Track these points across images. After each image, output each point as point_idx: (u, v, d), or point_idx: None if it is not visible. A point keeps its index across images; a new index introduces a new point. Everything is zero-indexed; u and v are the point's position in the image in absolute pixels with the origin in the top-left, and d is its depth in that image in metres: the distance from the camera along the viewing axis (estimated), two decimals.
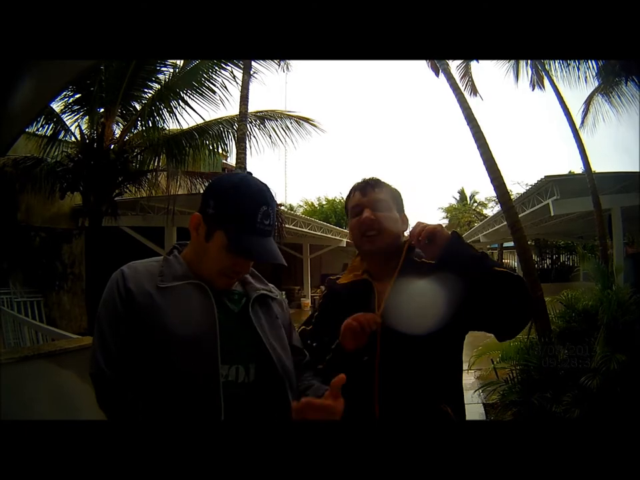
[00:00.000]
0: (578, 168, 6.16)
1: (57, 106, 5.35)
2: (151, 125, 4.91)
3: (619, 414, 3.18)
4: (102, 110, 5.19)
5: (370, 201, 1.14)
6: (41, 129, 5.48)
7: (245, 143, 4.31)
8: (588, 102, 6.92)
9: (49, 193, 5.53)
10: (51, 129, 5.40)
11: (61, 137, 5.48)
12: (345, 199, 1.28)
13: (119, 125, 5.24)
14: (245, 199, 0.90)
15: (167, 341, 0.86)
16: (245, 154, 4.27)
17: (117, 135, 5.11)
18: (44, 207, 6.12)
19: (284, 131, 5.14)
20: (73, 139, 5.42)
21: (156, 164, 5.07)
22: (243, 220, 0.89)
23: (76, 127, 5.38)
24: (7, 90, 1.08)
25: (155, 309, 0.87)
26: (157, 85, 5.08)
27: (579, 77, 6.72)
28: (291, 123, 5.16)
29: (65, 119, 5.40)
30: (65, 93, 5.18)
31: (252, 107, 4.74)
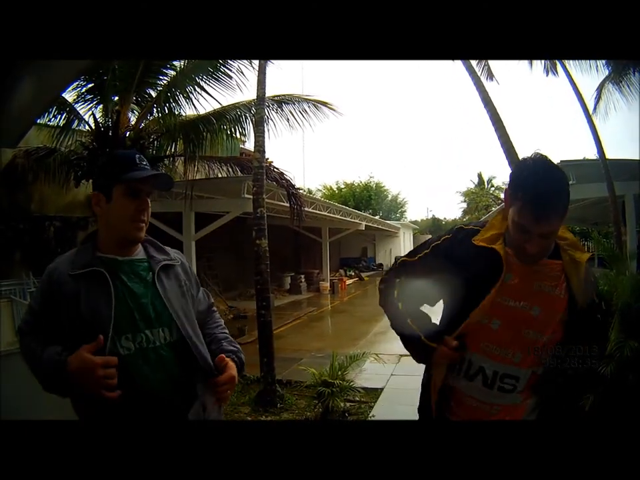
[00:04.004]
0: (591, 155, 6.12)
1: (69, 96, 5.34)
2: (167, 111, 4.87)
3: (633, 401, 3.14)
4: (116, 98, 5.15)
5: (542, 233, 1.02)
6: (53, 119, 5.46)
7: (263, 127, 4.28)
8: (600, 89, 6.88)
9: (63, 182, 5.52)
10: (64, 119, 5.39)
11: (74, 126, 5.46)
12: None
13: (134, 113, 5.22)
14: (122, 154, 1.16)
15: (77, 319, 1.02)
16: (263, 137, 4.24)
17: (133, 122, 5.08)
18: (58, 196, 6.09)
19: (301, 114, 5.14)
20: (87, 127, 5.38)
21: (173, 149, 5.02)
22: (127, 164, 1.09)
23: (90, 116, 5.36)
24: (12, 86, 1.08)
25: (68, 293, 1.04)
26: (172, 71, 5.04)
27: (590, 65, 6.69)
28: (309, 106, 5.16)
29: (78, 109, 5.37)
30: (77, 82, 5.15)
31: (269, 92, 4.70)
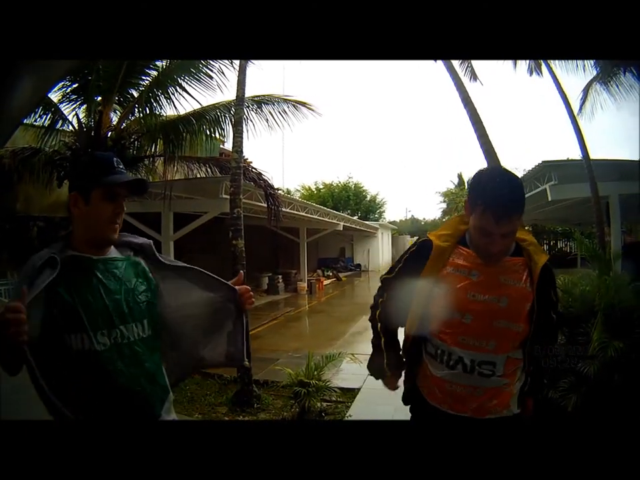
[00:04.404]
0: (577, 155, 6.11)
1: (54, 96, 5.37)
2: (148, 112, 4.88)
3: (616, 401, 3.13)
4: (99, 98, 5.16)
5: (502, 232, 1.13)
6: (39, 119, 5.49)
7: (242, 127, 4.28)
8: (586, 89, 6.86)
9: (47, 182, 5.52)
10: (49, 119, 5.42)
11: (58, 126, 5.48)
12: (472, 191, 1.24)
13: (116, 113, 5.23)
14: (100, 156, 1.18)
15: (52, 314, 1.03)
16: (242, 138, 4.24)
17: (115, 122, 5.09)
18: (42, 196, 6.10)
19: (281, 114, 5.14)
20: (71, 127, 5.39)
21: (153, 150, 5.03)
22: (106, 167, 1.12)
23: (73, 116, 5.39)
24: (10, 86, 1.08)
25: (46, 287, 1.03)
26: (154, 72, 5.05)
27: (577, 65, 6.65)
28: (288, 106, 5.16)
29: (62, 109, 5.41)
30: (62, 82, 5.17)
31: (250, 92, 4.71)
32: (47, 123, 5.42)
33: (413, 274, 1.26)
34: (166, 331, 1.22)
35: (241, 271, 1.32)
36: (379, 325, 1.37)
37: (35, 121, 5.51)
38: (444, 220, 25.86)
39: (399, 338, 1.41)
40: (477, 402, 1.23)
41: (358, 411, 3.85)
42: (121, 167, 1.15)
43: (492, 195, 1.11)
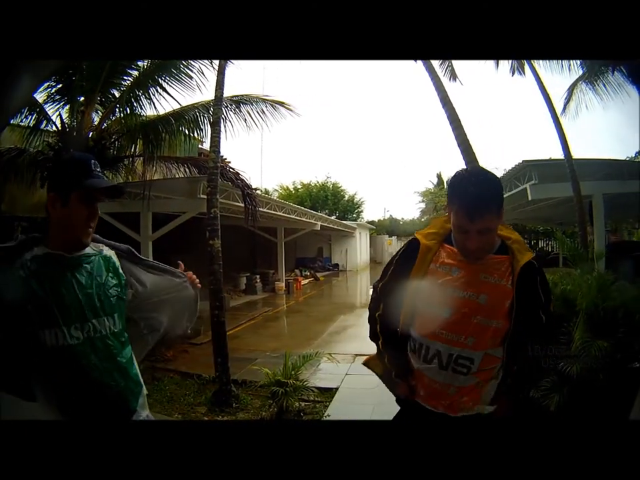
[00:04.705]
0: (561, 155, 6.09)
1: (39, 96, 5.38)
2: (129, 112, 4.89)
3: (600, 401, 3.11)
4: (82, 98, 5.17)
5: (477, 229, 1.16)
6: (24, 119, 5.49)
7: (220, 127, 4.28)
8: (571, 89, 6.84)
9: (30, 183, 5.54)
10: (34, 119, 5.42)
11: (42, 126, 5.49)
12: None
13: (98, 113, 5.24)
14: (78, 158, 1.20)
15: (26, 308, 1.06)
16: (219, 137, 4.25)
17: (96, 123, 5.10)
18: (26, 196, 6.11)
19: (259, 114, 5.14)
20: (54, 128, 5.41)
21: (133, 150, 5.04)
22: (84, 171, 1.14)
23: (57, 116, 5.40)
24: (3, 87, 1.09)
25: (19, 281, 1.07)
26: (135, 72, 5.06)
27: (562, 65, 6.64)
28: (266, 106, 5.17)
29: (47, 109, 5.42)
30: (47, 83, 5.19)
31: (230, 92, 4.72)
32: (32, 123, 5.44)
33: (404, 274, 1.29)
34: (144, 315, 1.34)
35: (179, 262, 1.47)
36: (381, 341, 1.38)
37: (21, 121, 5.53)
38: (422, 220, 25.80)
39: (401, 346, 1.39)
40: (449, 399, 1.25)
41: (336, 411, 3.84)
42: (98, 169, 1.17)
43: (465, 193, 1.15)
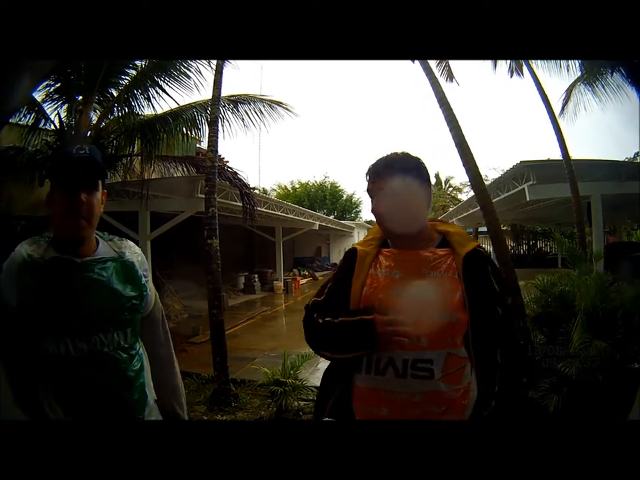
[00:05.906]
0: (559, 156, 6.10)
1: (38, 95, 5.39)
2: (127, 111, 4.89)
3: (598, 401, 3.12)
4: (80, 98, 5.17)
5: (380, 187, 1.17)
6: (23, 118, 5.50)
7: (217, 126, 4.28)
8: (570, 90, 6.85)
9: (28, 181, 5.54)
10: (32, 118, 5.43)
11: (41, 125, 5.50)
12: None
13: (96, 112, 5.24)
14: (62, 149, 1.25)
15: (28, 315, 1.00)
16: (217, 137, 4.25)
17: (94, 122, 5.10)
18: (24, 195, 6.10)
19: (257, 114, 5.15)
20: (53, 127, 5.41)
21: (131, 149, 5.04)
22: (62, 159, 1.10)
23: (55, 115, 5.40)
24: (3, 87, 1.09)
25: (26, 285, 1.02)
26: (133, 71, 5.06)
27: (560, 66, 6.65)
28: (264, 106, 5.17)
29: (45, 108, 5.42)
30: (46, 82, 5.19)
31: (227, 92, 4.72)
32: (30, 122, 5.45)
33: (343, 286, 1.21)
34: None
35: None
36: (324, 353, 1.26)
37: (20, 120, 5.53)
38: None
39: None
40: (417, 408, 1.11)
41: None
42: (82, 152, 1.05)
43: (370, 166, 1.21)
